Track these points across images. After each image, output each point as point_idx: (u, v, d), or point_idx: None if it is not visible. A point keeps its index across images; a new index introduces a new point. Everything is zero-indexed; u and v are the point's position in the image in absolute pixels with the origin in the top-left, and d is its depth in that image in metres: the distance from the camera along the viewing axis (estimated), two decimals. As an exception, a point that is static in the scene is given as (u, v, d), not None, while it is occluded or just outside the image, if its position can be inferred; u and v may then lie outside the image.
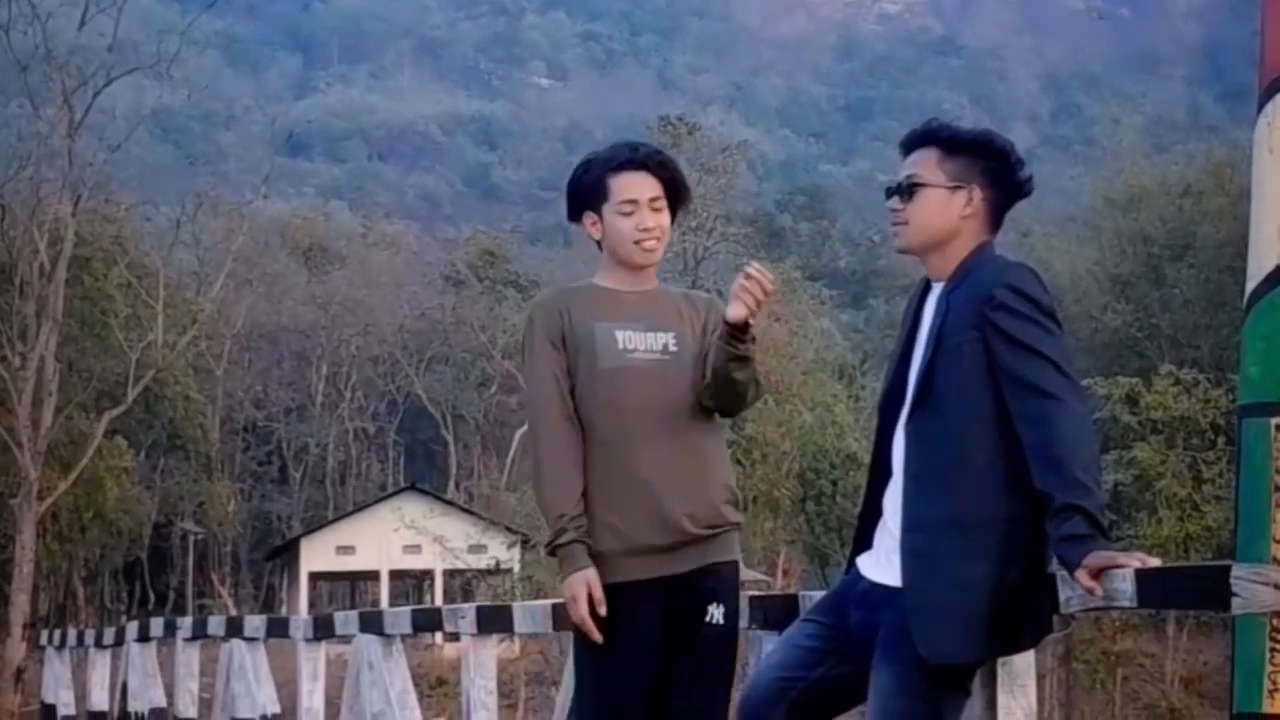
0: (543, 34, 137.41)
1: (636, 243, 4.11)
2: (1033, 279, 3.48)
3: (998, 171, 3.60)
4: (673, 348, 4.11)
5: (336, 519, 45.90)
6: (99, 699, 16.86)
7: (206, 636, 12.44)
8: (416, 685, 8.45)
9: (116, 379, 37.84)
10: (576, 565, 3.98)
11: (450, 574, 39.25)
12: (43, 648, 22.78)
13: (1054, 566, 3.41)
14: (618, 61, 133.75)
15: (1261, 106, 2.96)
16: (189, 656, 12.94)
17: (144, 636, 14.67)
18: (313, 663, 9.30)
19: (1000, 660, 3.65)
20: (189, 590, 47.30)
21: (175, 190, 42.49)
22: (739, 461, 27.22)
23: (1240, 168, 33.80)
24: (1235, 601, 2.87)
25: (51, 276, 33.65)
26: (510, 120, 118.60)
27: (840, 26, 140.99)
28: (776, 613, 4.51)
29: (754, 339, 4.00)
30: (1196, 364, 30.26)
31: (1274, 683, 2.81)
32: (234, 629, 10.99)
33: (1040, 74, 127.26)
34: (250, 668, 10.46)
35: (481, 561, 31.54)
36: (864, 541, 3.67)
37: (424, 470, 56.47)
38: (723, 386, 4.03)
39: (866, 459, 3.86)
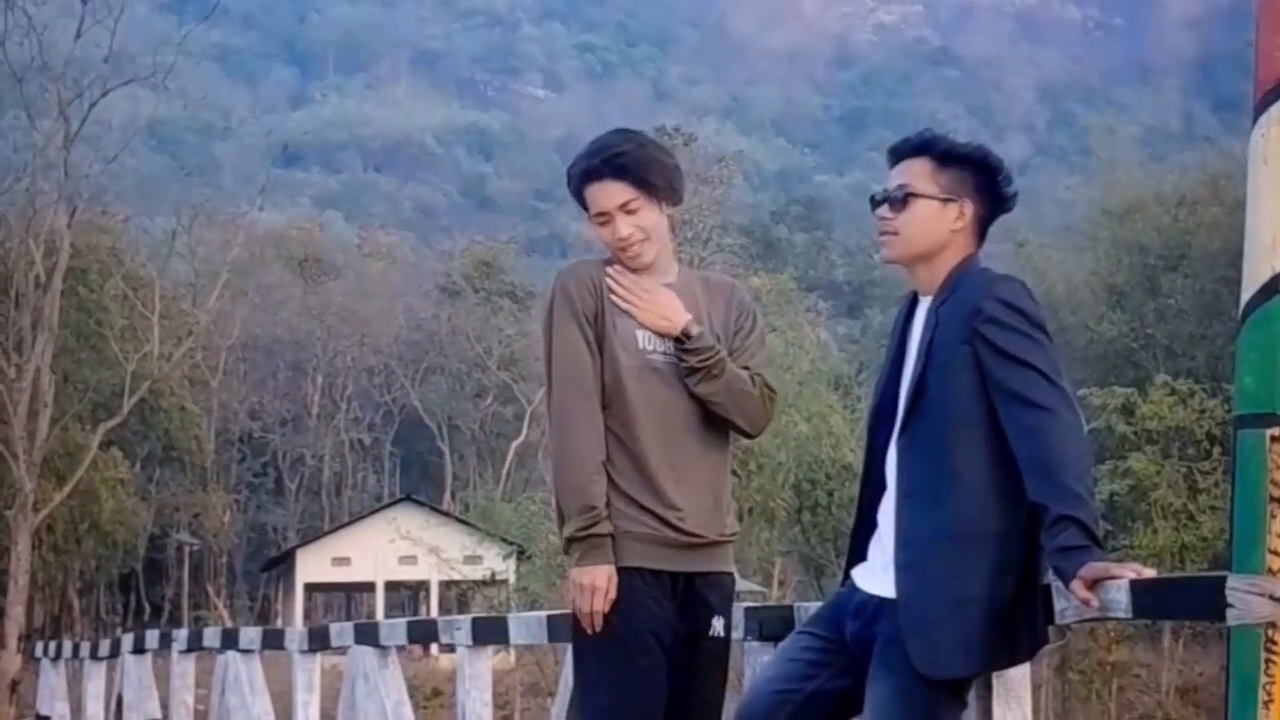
0: (538, 45, 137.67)
1: (621, 250, 4.03)
2: (1021, 291, 3.47)
3: (988, 187, 3.60)
4: None
5: (332, 530, 45.95)
6: (94, 711, 16.82)
7: (202, 648, 12.40)
8: (412, 696, 8.45)
9: (112, 390, 37.82)
10: (603, 558, 3.88)
11: (446, 585, 39.29)
12: (38, 659, 22.70)
13: (1049, 578, 3.41)
14: (613, 72, 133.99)
15: (1256, 117, 2.95)
16: (184, 668, 12.90)
17: (139, 648, 14.63)
18: (308, 674, 9.28)
19: (995, 671, 3.65)
20: (184, 602, 47.30)
21: (171, 201, 42.45)
22: (735, 472, 27.11)
23: (1235, 178, 33.81)
24: (1230, 613, 2.86)
25: (47, 288, 33.65)
26: (506, 131, 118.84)
27: (836, 37, 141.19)
28: (772, 624, 4.50)
29: (712, 349, 3.94)
30: (1192, 374, 30.28)
31: (1269, 694, 2.80)
32: (229, 640, 10.95)
33: (1036, 85, 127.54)
34: (245, 679, 10.43)
35: (477, 573, 31.51)
36: (859, 554, 3.67)
37: (419, 481, 56.45)
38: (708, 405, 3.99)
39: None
